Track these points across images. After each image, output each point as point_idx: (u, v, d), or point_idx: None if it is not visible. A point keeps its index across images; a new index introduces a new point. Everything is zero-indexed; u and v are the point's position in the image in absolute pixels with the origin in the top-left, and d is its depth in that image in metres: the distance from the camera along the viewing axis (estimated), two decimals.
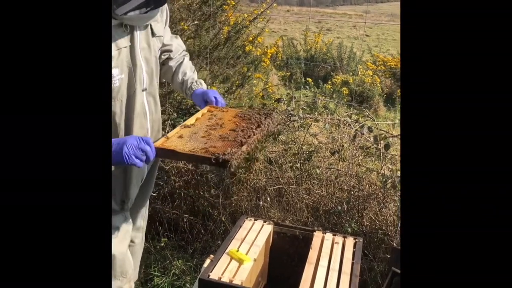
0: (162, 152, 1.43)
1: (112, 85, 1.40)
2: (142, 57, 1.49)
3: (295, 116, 2.61)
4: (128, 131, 1.53)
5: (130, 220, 1.73)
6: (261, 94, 3.44)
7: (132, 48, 1.44)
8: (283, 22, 13.56)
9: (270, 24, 3.26)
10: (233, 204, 2.57)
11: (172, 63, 1.79)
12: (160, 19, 1.60)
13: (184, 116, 2.77)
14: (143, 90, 1.53)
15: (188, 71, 1.80)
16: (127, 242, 1.73)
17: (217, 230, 2.57)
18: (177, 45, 1.82)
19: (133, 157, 1.33)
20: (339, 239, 1.72)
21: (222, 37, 2.84)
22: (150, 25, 1.51)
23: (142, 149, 1.35)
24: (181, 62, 1.81)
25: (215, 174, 2.61)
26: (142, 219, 1.94)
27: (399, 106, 5.73)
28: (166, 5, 1.65)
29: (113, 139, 1.36)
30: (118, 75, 1.42)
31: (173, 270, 2.39)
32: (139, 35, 1.46)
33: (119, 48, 1.40)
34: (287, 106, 2.75)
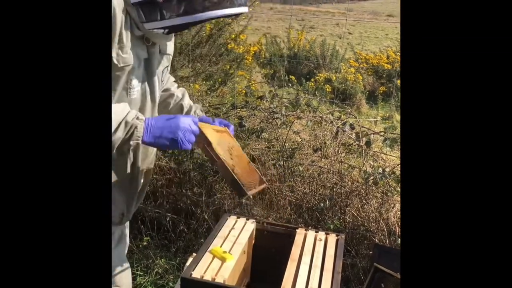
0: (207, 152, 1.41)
1: (130, 96, 1.35)
2: (157, 71, 1.45)
3: (277, 113, 2.61)
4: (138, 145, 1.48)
5: (127, 232, 1.71)
6: (244, 91, 3.43)
7: (149, 61, 1.40)
8: (266, 20, 13.55)
9: (253, 21, 3.25)
10: (216, 202, 2.56)
11: (176, 91, 1.72)
12: (171, 38, 1.54)
13: None
14: (154, 105, 1.49)
15: (193, 106, 1.75)
16: (125, 253, 1.72)
17: (200, 228, 2.56)
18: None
19: (187, 142, 1.30)
20: (321, 235, 1.73)
21: (205, 35, 2.82)
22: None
23: (194, 132, 1.32)
24: (185, 94, 1.75)
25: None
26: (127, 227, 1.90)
27: (381, 103, 5.79)
28: None
29: (152, 119, 1.30)
30: (137, 86, 1.37)
31: (156, 269, 2.37)
32: (156, 49, 1.41)
33: (140, 59, 1.35)
34: (270, 103, 2.75)
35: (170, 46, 1.52)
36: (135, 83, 1.36)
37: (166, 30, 1.31)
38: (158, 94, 1.50)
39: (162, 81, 1.56)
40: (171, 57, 1.58)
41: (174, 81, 1.79)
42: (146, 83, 1.41)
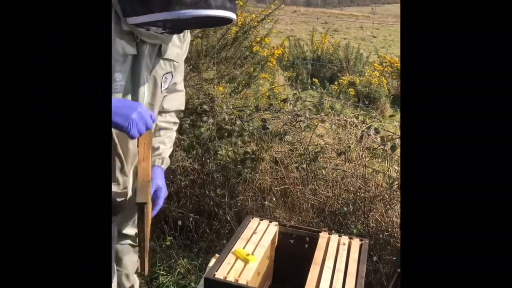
0: None
1: (113, 89, 1.31)
2: (146, 71, 1.39)
3: (301, 116, 2.61)
4: (123, 144, 1.44)
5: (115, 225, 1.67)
6: (267, 94, 3.44)
7: (137, 58, 1.35)
8: (289, 23, 13.54)
9: (276, 24, 3.26)
10: (239, 204, 2.57)
11: (163, 125, 1.64)
12: (178, 43, 1.48)
13: (190, 115, 2.78)
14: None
15: (167, 144, 1.65)
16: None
17: (223, 229, 2.58)
18: (179, 101, 1.68)
19: (135, 129, 1.22)
20: (345, 240, 1.72)
21: (230, 37, 2.84)
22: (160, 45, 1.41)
23: (146, 125, 1.26)
24: (169, 129, 1.66)
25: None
26: (131, 227, 1.86)
27: None
28: (188, 37, 1.53)
29: (117, 98, 1.26)
30: (121, 81, 1.33)
31: (178, 269, 2.40)
32: (147, 48, 1.36)
33: (126, 54, 1.31)
34: (293, 106, 2.75)
35: (172, 50, 1.45)
36: (119, 77, 1.32)
37: (160, 30, 1.29)
38: (146, 95, 1.42)
39: (162, 87, 1.48)
40: (176, 64, 1.50)
41: (178, 110, 1.69)
42: (133, 80, 1.36)
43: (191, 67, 2.84)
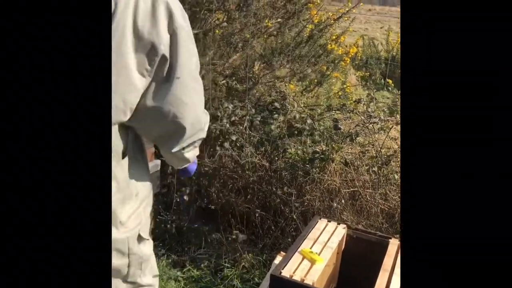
0: None
1: None
2: None
3: (374, 118, 2.53)
4: None
5: None
6: (339, 93, 3.38)
7: None
8: (364, 21, 13.17)
9: (352, 23, 3.20)
10: (305, 204, 2.55)
11: None
12: None
13: (261, 112, 2.80)
14: None
15: None
16: None
17: (288, 227, 2.57)
18: None
19: None
20: None
21: (305, 35, 2.82)
22: None
23: None
24: None
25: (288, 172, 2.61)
26: None
27: None
28: None
29: None
30: None
31: (243, 263, 2.43)
32: None
33: None
34: (367, 107, 2.68)
35: None
36: None
37: None
38: None
39: None
40: None
41: None
42: None
43: (264, 64, 2.86)
